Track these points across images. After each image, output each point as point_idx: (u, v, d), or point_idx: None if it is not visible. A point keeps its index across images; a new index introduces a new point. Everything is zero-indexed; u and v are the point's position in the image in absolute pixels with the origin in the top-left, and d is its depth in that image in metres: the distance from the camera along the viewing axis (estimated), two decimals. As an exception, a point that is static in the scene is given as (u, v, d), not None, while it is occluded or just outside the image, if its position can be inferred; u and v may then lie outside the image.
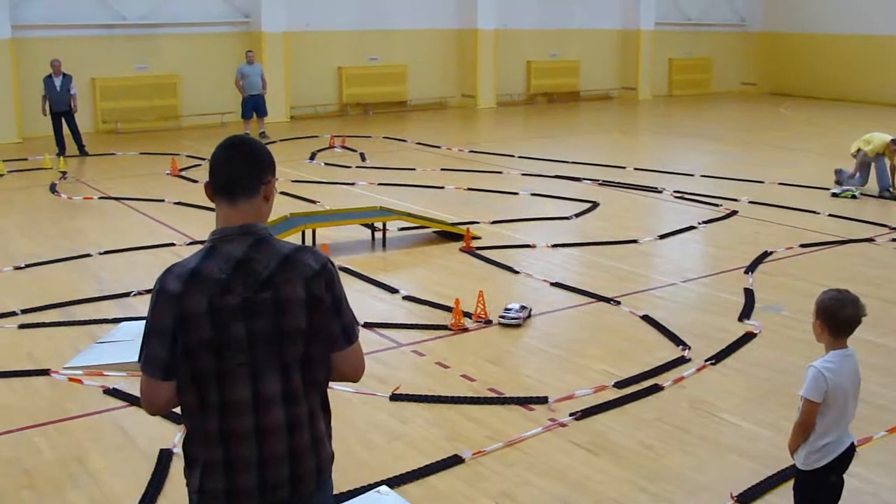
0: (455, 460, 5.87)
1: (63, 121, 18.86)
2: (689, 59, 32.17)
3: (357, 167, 17.13)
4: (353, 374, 3.27)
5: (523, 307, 8.57)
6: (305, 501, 3.23)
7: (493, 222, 12.41)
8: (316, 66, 24.95)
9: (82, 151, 19.07)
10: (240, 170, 3.14)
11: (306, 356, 3.12)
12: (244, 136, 3.28)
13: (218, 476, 3.10)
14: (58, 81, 18.60)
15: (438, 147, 19.38)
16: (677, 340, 7.97)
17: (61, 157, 18.12)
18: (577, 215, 12.95)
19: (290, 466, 3.13)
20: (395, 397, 6.81)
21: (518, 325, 8.36)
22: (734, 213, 13.16)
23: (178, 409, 3.18)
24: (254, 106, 20.49)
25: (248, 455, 3.09)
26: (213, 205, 3.19)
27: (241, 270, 3.04)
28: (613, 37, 30.31)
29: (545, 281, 9.73)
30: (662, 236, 11.76)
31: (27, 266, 10.52)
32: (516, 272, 10.06)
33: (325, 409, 3.27)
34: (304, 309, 3.08)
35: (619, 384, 7.03)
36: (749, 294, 9.26)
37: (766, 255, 10.77)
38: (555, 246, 11.20)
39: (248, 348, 3.04)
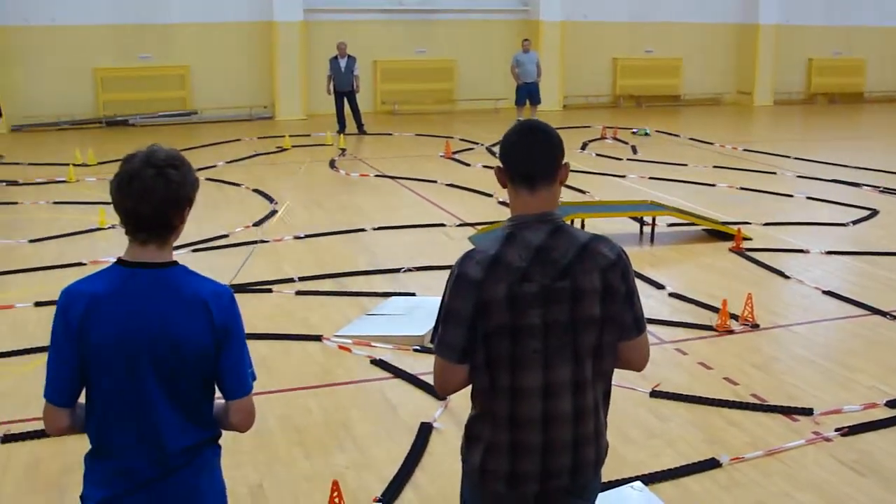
0: (712, 464, 5.76)
1: (345, 100, 19.70)
2: None
3: (628, 160, 17.04)
4: (640, 363, 3.28)
5: None
6: (581, 489, 3.27)
7: (765, 224, 12.05)
8: (591, 57, 24.96)
9: (361, 130, 19.86)
10: (540, 156, 3.12)
11: (598, 346, 3.13)
12: (537, 121, 3.27)
13: (502, 458, 3.15)
14: (342, 63, 19.43)
15: (711, 144, 18.98)
16: (958, 362, 7.51)
17: (341, 135, 18.96)
18: (854, 222, 12.38)
19: (572, 455, 3.16)
20: (655, 394, 6.75)
21: None
22: None
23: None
24: (527, 94, 20.58)
25: (533, 441, 3.12)
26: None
27: (539, 259, 3.05)
28: (906, 35, 28.69)
29: (817, 288, 9.37)
30: (949, 250, 11.07)
31: (306, 237, 11.06)
32: (787, 277, 9.74)
33: (606, 399, 3.28)
34: (599, 299, 3.08)
35: (892, 403, 6.67)
36: None
37: None
38: (829, 253, 10.76)
39: (542, 336, 3.05)
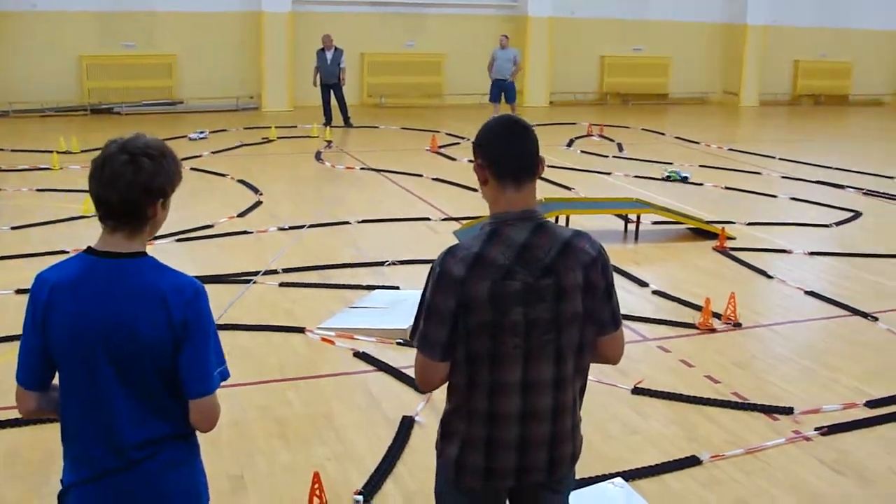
0: (692, 461, 5.78)
1: (331, 92, 19.67)
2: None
3: (614, 157, 17.08)
4: (616, 357, 3.30)
5: None
6: (556, 483, 3.28)
7: (749, 224, 12.09)
8: (578, 54, 24.96)
9: (347, 123, 19.83)
10: (525, 152, 3.10)
11: (580, 343, 3.14)
12: (515, 116, 3.23)
13: (478, 453, 3.15)
14: (329, 55, 19.39)
15: (697, 143, 19.03)
16: (939, 365, 7.55)
17: (327, 127, 18.94)
18: (837, 224, 12.43)
19: (549, 451, 3.17)
20: (636, 391, 6.76)
21: None
22: None
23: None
24: (500, 90, 20.03)
25: (510, 436, 3.13)
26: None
27: (523, 256, 3.04)
28: (890, 38, 28.68)
29: (799, 289, 9.40)
30: (930, 253, 11.13)
31: (290, 228, 11.04)
32: (770, 277, 9.77)
33: (581, 394, 3.30)
34: (581, 295, 3.09)
35: (871, 404, 6.71)
36: None
37: None
38: (812, 254, 10.80)
39: (524, 333, 3.05)
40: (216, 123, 19.48)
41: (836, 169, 16.48)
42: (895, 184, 15.45)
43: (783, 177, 15.70)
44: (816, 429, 6.27)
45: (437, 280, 3.06)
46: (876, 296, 9.35)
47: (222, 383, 3.03)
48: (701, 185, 14.63)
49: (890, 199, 14.28)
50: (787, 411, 6.53)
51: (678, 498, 5.40)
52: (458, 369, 3.12)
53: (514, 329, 3.04)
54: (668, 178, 14.88)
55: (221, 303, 8.45)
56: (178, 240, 10.26)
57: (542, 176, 3.24)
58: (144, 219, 2.93)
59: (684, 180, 14.86)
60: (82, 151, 15.44)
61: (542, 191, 12.60)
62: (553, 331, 3.08)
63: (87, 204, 11.18)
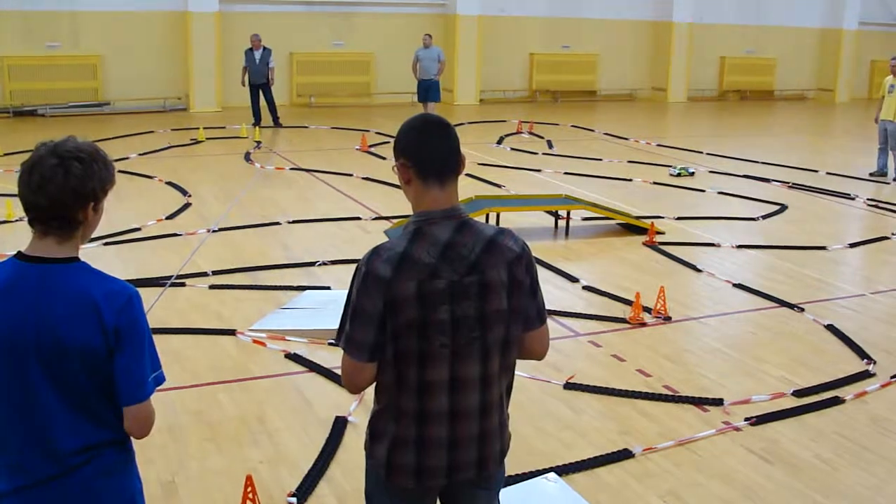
0: (625, 454, 5.83)
1: (260, 92, 19.53)
2: (894, 61, 30.64)
3: (543, 154, 17.17)
4: (542, 352, 3.31)
5: None
6: (486, 481, 3.29)
7: (678, 218, 12.23)
8: (508, 52, 25.08)
9: (277, 123, 19.70)
10: (448, 151, 3.11)
11: (506, 341, 3.14)
12: (436, 115, 3.25)
13: (408, 453, 3.13)
14: (257, 55, 19.26)
15: (626, 139, 19.20)
16: (862, 353, 7.67)
17: (257, 128, 18.81)
18: (763, 217, 12.63)
19: (478, 449, 3.17)
20: (569, 386, 6.80)
21: None
22: (932, 225, 12.59)
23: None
24: (426, 90, 19.86)
25: (439, 435, 3.12)
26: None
27: (447, 254, 3.03)
28: (813, 35, 29.27)
29: (728, 282, 9.53)
30: (853, 245, 11.34)
31: (220, 230, 10.93)
32: (699, 270, 9.89)
33: (508, 392, 3.30)
34: (506, 292, 3.09)
35: (798, 393, 6.83)
36: (944, 311, 8.86)
37: (964, 271, 10.27)
38: (740, 247, 10.96)
39: (450, 331, 3.04)
40: (143, 125, 19.24)
41: (762, 163, 16.75)
42: (819, 177, 15.75)
43: (711, 171, 15.91)
44: (746, 419, 6.36)
45: (363, 280, 3.04)
46: (802, 287, 9.51)
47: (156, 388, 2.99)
48: (630, 180, 14.77)
49: (814, 191, 14.53)
50: (718, 402, 6.61)
51: (612, 491, 5.43)
52: (386, 369, 3.10)
53: (441, 327, 3.03)
54: (678, 175, 15.17)
55: (155, 306, 8.36)
56: (106, 243, 10.11)
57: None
58: (75, 223, 2.87)
59: (691, 175, 15.23)
60: (5, 155, 15.15)
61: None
62: (478, 328, 3.07)
63: (9, 208, 10.98)
